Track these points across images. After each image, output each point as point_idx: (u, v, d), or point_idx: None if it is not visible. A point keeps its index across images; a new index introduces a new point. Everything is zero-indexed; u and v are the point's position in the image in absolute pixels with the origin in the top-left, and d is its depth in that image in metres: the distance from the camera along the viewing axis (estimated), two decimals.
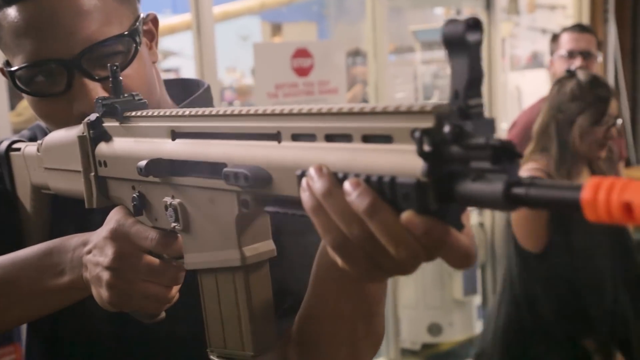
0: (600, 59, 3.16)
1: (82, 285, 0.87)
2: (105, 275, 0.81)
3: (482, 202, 0.48)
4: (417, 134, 0.50)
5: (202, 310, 0.80)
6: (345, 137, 0.57)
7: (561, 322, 2.23)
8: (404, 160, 0.52)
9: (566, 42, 3.02)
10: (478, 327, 4.24)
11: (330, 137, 0.58)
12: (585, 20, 4.15)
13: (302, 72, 3.05)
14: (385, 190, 0.52)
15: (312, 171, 0.56)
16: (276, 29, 7.67)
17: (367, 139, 0.55)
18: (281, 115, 0.62)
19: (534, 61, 6.26)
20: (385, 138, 0.54)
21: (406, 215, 0.51)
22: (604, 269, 2.27)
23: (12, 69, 0.93)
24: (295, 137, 0.62)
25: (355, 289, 0.75)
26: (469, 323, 4.17)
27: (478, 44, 0.49)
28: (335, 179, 0.55)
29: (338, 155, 0.57)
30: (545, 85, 5.24)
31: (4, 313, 0.94)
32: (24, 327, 1.19)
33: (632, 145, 4.32)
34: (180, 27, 3.64)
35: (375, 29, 3.29)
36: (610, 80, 4.15)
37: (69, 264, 0.88)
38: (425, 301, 4.07)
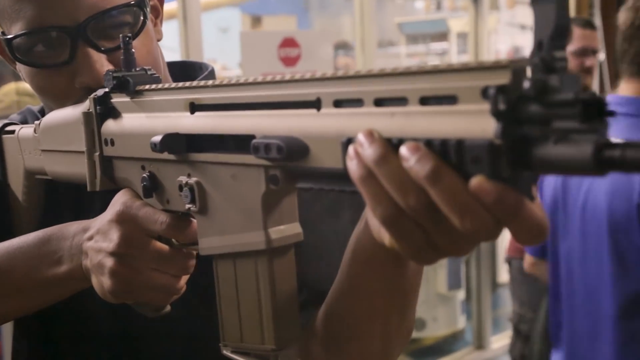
0: (600, 56, 3.11)
1: (81, 275, 0.81)
2: (109, 261, 0.76)
3: (566, 168, 0.43)
4: (491, 92, 0.45)
5: (217, 300, 0.74)
6: (400, 101, 0.52)
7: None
8: (471, 122, 0.47)
9: (579, 38, 2.91)
10: (462, 322, 4.24)
11: (380, 102, 0.53)
12: (571, 15, 4.15)
13: (289, 62, 3.00)
14: (450, 155, 0.47)
15: (361, 137, 0.51)
16: (256, 21, 7.60)
17: (426, 101, 0.50)
18: (322, 79, 0.57)
19: (515, 56, 6.29)
20: (448, 99, 0.49)
21: (477, 180, 0.46)
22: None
23: (10, 36, 0.86)
24: (338, 104, 0.56)
25: (393, 278, 0.69)
26: (452, 318, 4.17)
27: None
28: (389, 144, 0.50)
29: (391, 120, 0.52)
30: None
31: None
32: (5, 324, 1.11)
33: None
34: (163, 17, 3.56)
35: (363, 21, 3.26)
36: (596, 77, 4.16)
37: (67, 251, 0.82)
38: None
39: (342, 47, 4.49)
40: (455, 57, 4.77)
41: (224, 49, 5.93)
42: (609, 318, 1.67)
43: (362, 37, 3.27)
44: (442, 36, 4.90)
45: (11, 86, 2.70)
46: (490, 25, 4.36)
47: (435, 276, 4.03)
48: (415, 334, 4.13)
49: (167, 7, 3.36)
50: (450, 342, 4.22)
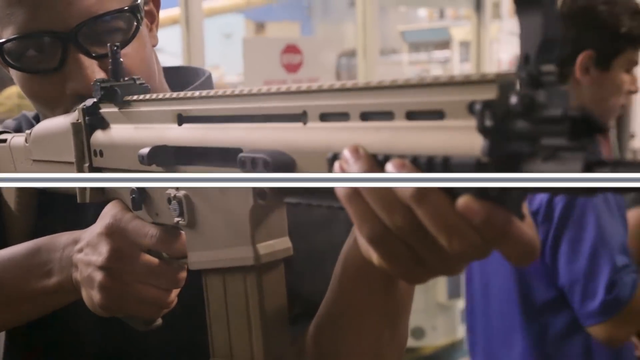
0: None
1: (71, 287, 0.80)
2: (98, 275, 0.75)
3: (554, 187, 0.42)
4: (477, 107, 0.44)
5: (206, 316, 0.73)
6: (386, 115, 0.51)
7: None
8: (458, 139, 0.45)
9: None
10: (461, 331, 4.22)
11: (366, 116, 0.52)
12: None
13: (291, 68, 3.00)
14: (436, 172, 0.46)
15: (346, 153, 0.50)
16: (260, 27, 7.62)
17: (413, 115, 0.49)
18: (308, 92, 0.56)
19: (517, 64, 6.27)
20: (435, 114, 0.48)
21: (463, 199, 0.44)
22: None
23: (1, 40, 0.85)
24: (325, 117, 0.55)
25: (385, 291, 0.68)
26: (452, 327, 4.15)
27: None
28: (375, 161, 0.49)
29: (377, 135, 0.50)
30: None
31: None
32: None
33: (617, 149, 4.32)
34: (165, 22, 3.58)
35: (366, 28, 3.25)
36: None
37: (57, 263, 0.81)
38: None
39: (348, 55, 4.48)
40: (458, 65, 4.77)
41: (227, 55, 5.93)
42: (518, 325, 1.69)
43: (364, 44, 3.26)
44: (445, 44, 4.89)
45: (13, 89, 2.70)
46: (492, 34, 4.36)
47: (435, 285, 4.01)
48: (414, 343, 4.11)
49: (170, 12, 3.33)
50: (450, 351, 4.20)
